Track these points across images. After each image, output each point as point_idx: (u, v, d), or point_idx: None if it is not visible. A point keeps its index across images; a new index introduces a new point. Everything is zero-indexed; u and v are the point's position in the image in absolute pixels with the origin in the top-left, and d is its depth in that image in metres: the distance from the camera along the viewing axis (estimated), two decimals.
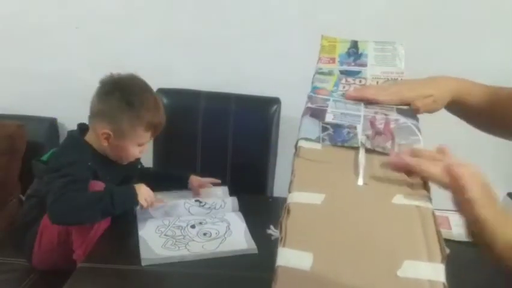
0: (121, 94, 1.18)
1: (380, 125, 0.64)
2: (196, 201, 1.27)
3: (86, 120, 1.24)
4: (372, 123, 0.65)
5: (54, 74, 1.73)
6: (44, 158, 1.25)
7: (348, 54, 0.83)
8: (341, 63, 0.81)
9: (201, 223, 1.16)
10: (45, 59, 1.73)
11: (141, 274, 0.98)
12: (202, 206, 1.25)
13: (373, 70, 0.80)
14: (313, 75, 0.80)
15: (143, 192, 1.15)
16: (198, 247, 1.06)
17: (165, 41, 1.70)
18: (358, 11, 1.63)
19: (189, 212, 1.23)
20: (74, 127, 1.28)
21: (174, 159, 1.67)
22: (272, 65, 1.69)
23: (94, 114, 1.20)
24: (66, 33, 1.70)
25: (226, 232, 1.13)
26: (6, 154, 1.56)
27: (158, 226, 1.13)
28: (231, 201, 1.28)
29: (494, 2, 1.60)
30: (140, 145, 1.23)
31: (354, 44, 0.85)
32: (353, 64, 0.81)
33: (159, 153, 1.67)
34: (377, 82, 0.78)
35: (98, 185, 1.15)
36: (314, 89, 0.74)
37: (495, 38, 1.63)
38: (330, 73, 0.80)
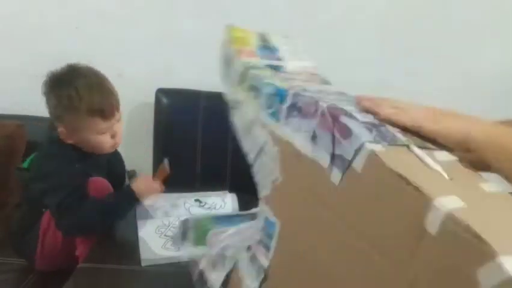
0: (52, 91, 1.15)
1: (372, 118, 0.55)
2: (196, 201, 1.27)
3: None
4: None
5: None
6: (25, 165, 1.22)
7: (264, 47, 0.77)
8: (262, 57, 0.75)
9: None
10: (45, 59, 1.73)
11: (141, 274, 0.98)
12: (202, 206, 1.25)
13: (292, 65, 0.74)
14: (247, 71, 0.71)
15: (144, 192, 1.13)
16: None
17: (165, 41, 1.70)
18: (358, 11, 1.63)
19: (189, 212, 1.23)
20: None
21: (174, 159, 1.67)
22: None
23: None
24: (66, 33, 1.70)
25: None
26: (6, 154, 1.55)
27: (158, 226, 1.13)
28: (231, 201, 1.28)
29: (494, 2, 1.60)
30: (101, 133, 1.14)
31: (263, 37, 0.79)
32: (272, 58, 0.75)
33: (159, 153, 1.67)
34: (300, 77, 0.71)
35: (99, 182, 1.14)
36: (281, 89, 0.63)
37: (495, 38, 1.63)
38: (262, 68, 0.72)
